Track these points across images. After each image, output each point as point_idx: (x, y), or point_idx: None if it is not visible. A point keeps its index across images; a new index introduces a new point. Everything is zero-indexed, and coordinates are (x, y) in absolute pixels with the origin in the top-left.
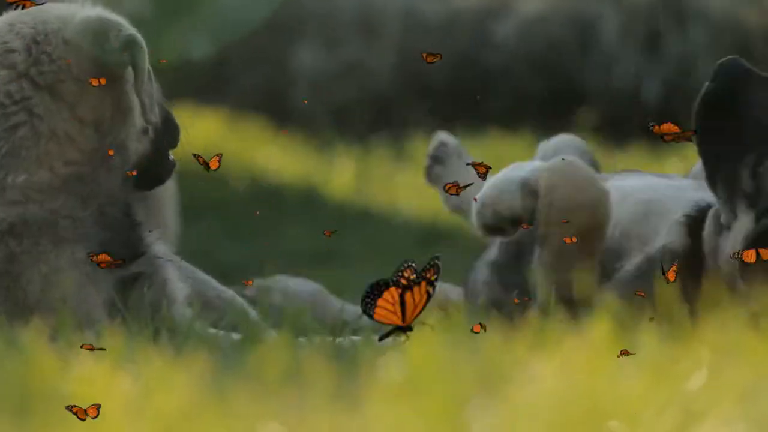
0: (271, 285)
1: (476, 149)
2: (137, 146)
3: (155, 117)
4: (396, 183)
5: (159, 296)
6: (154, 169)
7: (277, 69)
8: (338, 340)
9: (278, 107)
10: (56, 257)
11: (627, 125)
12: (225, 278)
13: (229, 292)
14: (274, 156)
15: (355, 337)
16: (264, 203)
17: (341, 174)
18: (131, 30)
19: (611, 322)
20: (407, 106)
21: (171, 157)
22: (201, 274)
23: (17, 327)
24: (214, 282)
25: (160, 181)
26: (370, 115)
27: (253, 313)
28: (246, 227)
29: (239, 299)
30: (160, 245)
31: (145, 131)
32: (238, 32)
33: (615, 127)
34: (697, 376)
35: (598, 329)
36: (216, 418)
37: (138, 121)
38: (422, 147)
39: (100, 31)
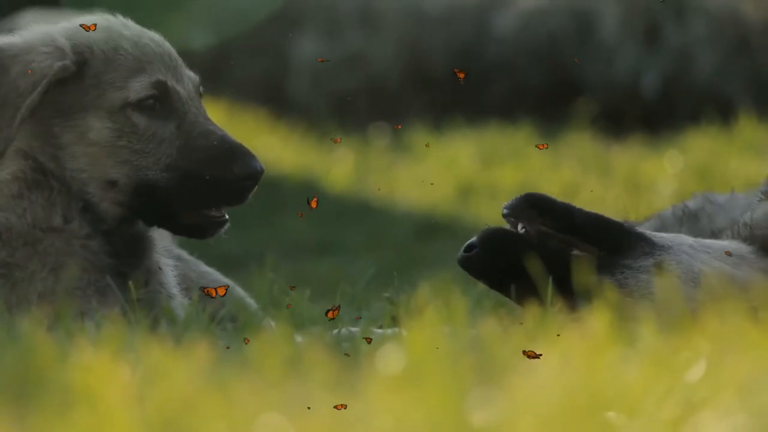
0: None
1: (476, 140)
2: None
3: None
4: (395, 174)
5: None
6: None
7: (277, 59)
8: (335, 331)
9: (278, 98)
10: (53, 283)
11: (625, 117)
12: (225, 269)
13: (228, 283)
14: (274, 146)
15: (353, 329)
16: (264, 194)
17: (341, 165)
18: None
19: (611, 313)
20: (407, 97)
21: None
22: (202, 266)
23: (17, 315)
24: (215, 273)
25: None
26: (370, 106)
27: (251, 303)
28: (246, 218)
29: (238, 290)
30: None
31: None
32: (241, 25)
33: (613, 118)
34: (697, 368)
35: (599, 320)
36: (216, 409)
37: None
38: (422, 138)
39: None
